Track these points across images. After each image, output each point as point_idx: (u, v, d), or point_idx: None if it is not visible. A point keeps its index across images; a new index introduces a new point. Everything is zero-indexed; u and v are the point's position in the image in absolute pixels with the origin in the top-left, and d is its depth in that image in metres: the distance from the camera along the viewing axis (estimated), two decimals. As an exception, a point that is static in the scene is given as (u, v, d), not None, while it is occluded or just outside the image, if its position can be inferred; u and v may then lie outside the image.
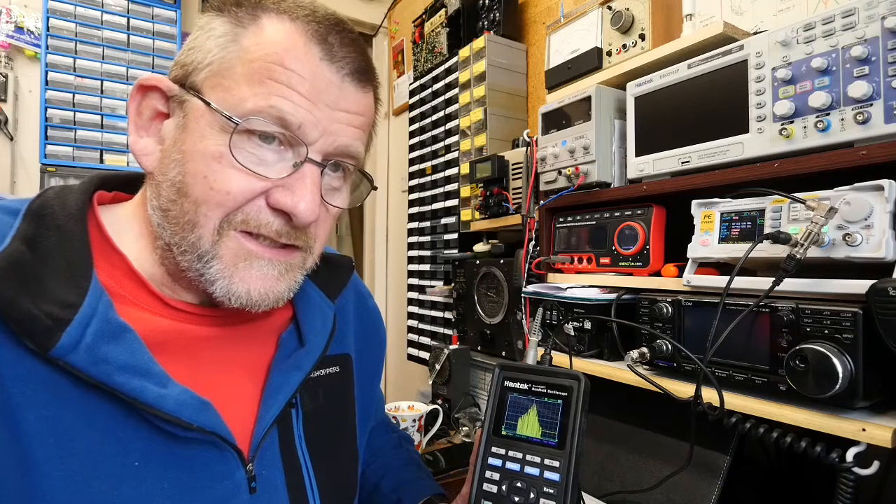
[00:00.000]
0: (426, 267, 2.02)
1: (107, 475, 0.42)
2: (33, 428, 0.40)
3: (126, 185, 0.58)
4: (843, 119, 0.68)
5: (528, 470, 0.50)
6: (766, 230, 0.73)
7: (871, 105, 0.66)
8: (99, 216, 0.52)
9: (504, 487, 0.50)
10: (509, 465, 0.51)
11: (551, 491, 0.48)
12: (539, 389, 0.53)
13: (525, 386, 0.54)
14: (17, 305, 0.40)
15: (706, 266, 0.85)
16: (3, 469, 0.40)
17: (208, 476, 0.48)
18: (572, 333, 1.02)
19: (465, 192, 1.76)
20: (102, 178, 0.56)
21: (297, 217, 0.49)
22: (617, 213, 1.01)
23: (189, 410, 0.45)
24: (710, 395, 0.73)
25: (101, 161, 1.96)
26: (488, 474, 0.52)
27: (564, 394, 0.51)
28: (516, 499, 0.49)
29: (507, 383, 0.55)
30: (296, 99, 0.47)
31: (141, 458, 0.44)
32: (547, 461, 0.49)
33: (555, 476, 0.48)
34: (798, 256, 0.65)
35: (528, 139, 1.43)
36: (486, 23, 1.82)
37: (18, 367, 0.41)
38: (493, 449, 0.53)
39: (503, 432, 0.53)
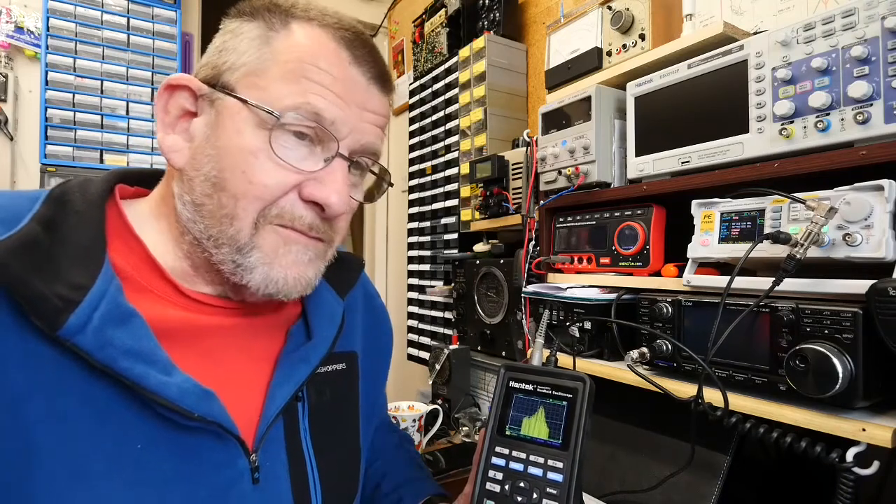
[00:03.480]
0: (426, 267, 2.02)
1: (107, 457, 0.43)
2: (35, 408, 0.41)
3: (147, 181, 0.60)
4: (843, 119, 0.68)
5: (532, 470, 0.50)
6: (766, 230, 0.73)
7: (871, 105, 0.66)
8: (120, 205, 0.53)
9: (507, 487, 0.50)
10: (513, 465, 0.51)
11: (554, 492, 0.48)
12: (544, 390, 0.53)
13: (530, 387, 0.54)
14: (27, 284, 0.41)
15: (706, 266, 0.85)
16: (2, 449, 0.40)
17: (210, 464, 0.48)
18: (577, 335, 1.02)
19: (465, 192, 1.76)
20: (124, 172, 0.58)
21: (330, 208, 0.51)
22: (617, 213, 1.01)
23: (191, 399, 0.45)
24: (710, 395, 0.73)
25: (101, 161, 1.96)
26: (491, 474, 0.52)
27: (569, 395, 0.51)
28: (519, 499, 0.49)
29: (513, 384, 0.55)
30: (329, 97, 0.50)
31: (144, 443, 0.45)
32: (550, 462, 0.49)
33: (558, 477, 0.49)
34: (798, 256, 0.65)
35: (528, 139, 1.43)
36: (486, 23, 1.82)
37: (23, 347, 0.41)
38: (497, 449, 0.53)
39: (507, 432, 0.53)
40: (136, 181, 0.59)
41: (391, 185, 0.62)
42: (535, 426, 0.52)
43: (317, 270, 0.55)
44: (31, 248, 0.42)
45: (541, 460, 0.50)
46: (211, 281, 0.54)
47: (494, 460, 0.52)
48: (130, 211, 0.53)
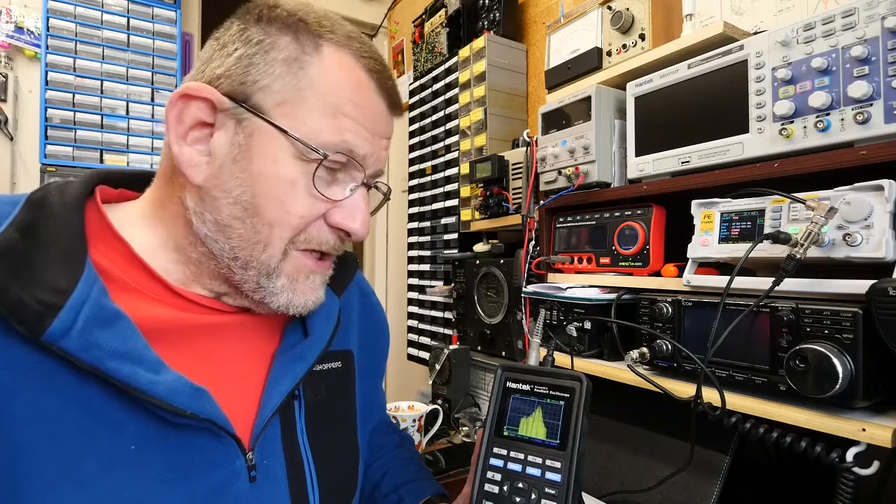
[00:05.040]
0: (426, 267, 2.02)
1: (100, 457, 0.43)
2: (22, 412, 0.41)
3: (131, 182, 0.59)
4: (843, 119, 0.68)
5: (530, 471, 0.50)
6: (766, 230, 0.73)
7: (871, 105, 0.66)
8: (101, 205, 0.52)
9: (505, 488, 0.50)
10: (511, 465, 0.51)
11: (552, 492, 0.48)
12: (541, 391, 0.53)
13: (527, 387, 0.54)
14: (7, 291, 0.40)
15: (706, 266, 0.85)
16: None
17: (205, 462, 0.48)
18: (574, 334, 1.02)
19: (465, 192, 1.76)
20: (105, 173, 0.57)
21: (356, 234, 0.55)
22: (617, 213, 1.01)
23: (181, 397, 0.45)
24: (710, 395, 0.73)
25: (101, 161, 1.96)
26: (490, 475, 0.52)
27: (566, 395, 0.51)
28: (517, 499, 0.49)
29: (510, 384, 0.55)
30: (362, 133, 0.52)
31: (137, 442, 0.45)
32: (548, 462, 0.49)
33: (556, 477, 0.48)
34: (798, 256, 0.65)
35: (528, 139, 1.43)
36: (486, 23, 1.82)
37: (6, 353, 0.41)
38: (495, 449, 0.53)
39: (505, 433, 0.53)
40: (121, 182, 0.58)
41: (388, 199, 0.65)
42: (533, 426, 0.52)
43: (325, 286, 0.59)
44: (8, 255, 0.42)
45: (539, 461, 0.50)
46: (208, 286, 0.54)
47: (492, 461, 0.52)
48: (114, 213, 0.53)
